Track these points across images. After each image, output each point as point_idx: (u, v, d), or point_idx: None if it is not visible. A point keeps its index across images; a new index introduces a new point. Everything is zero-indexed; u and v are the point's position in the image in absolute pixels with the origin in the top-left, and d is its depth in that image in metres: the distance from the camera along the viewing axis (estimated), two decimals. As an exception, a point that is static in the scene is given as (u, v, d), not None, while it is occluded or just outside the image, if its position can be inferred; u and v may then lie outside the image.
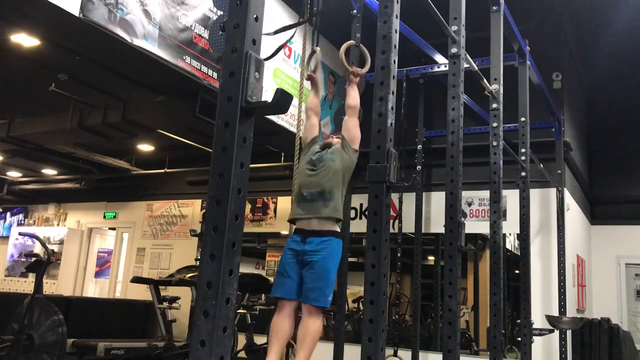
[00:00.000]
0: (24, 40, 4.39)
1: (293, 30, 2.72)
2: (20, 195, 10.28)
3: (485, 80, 3.60)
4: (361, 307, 7.21)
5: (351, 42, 3.41)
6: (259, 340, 5.69)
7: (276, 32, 2.32)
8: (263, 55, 1.39)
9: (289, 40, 2.73)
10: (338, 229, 3.08)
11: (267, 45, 1.99)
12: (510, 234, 6.53)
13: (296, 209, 3.09)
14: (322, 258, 2.94)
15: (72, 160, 8.28)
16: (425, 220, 6.29)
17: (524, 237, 4.49)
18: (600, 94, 8.40)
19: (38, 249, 8.26)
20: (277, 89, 1.35)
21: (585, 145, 8.23)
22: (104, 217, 9.31)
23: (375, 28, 2.13)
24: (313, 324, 2.91)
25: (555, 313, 5.51)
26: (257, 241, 8.13)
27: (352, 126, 3.17)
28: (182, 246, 8.17)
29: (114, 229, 9.46)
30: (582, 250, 7.17)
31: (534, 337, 4.46)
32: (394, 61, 2.06)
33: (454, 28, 3.00)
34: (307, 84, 3.49)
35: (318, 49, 3.29)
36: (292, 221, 3.15)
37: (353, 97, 3.18)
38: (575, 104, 7.46)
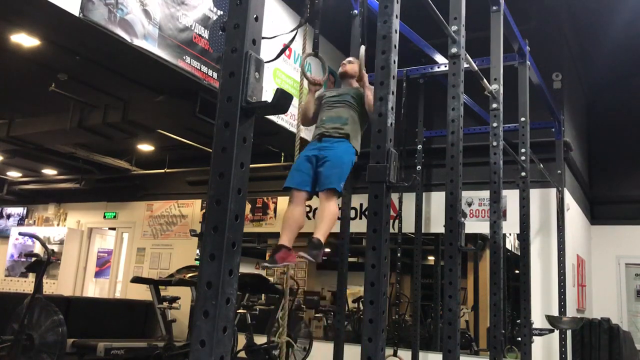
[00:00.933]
0: (24, 40, 4.39)
1: (294, 31, 2.72)
2: (20, 195, 10.28)
3: (485, 80, 3.60)
4: (361, 307, 7.21)
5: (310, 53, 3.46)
6: (259, 340, 5.69)
7: (275, 37, 2.33)
8: (264, 56, 1.39)
9: (290, 42, 2.74)
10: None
11: (267, 46, 1.99)
12: (510, 234, 6.53)
13: (316, 129, 3.32)
14: (336, 152, 3.12)
15: (72, 160, 8.28)
16: (425, 220, 6.29)
17: (524, 237, 4.49)
18: (600, 94, 8.40)
19: (38, 249, 8.25)
20: (277, 89, 1.35)
21: (585, 145, 8.23)
22: (104, 217, 9.31)
23: (375, 28, 2.13)
24: (330, 206, 3.04)
25: (555, 313, 5.51)
26: (257, 241, 8.13)
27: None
28: (182, 246, 8.16)
29: (114, 229, 9.46)
30: (582, 250, 7.17)
31: (534, 337, 4.46)
32: (394, 61, 2.06)
33: (454, 28, 3.00)
34: (307, 84, 3.50)
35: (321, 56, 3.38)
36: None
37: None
38: (575, 104, 7.46)
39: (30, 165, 9.03)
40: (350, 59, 3.55)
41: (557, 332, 5.24)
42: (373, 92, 3.18)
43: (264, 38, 1.43)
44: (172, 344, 5.52)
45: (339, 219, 3.43)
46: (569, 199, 6.20)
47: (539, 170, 5.49)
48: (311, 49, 3.37)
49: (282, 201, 7.47)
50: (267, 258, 8.00)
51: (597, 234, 8.04)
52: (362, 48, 3.39)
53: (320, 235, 2.96)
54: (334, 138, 3.19)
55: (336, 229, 3.60)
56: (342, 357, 3.96)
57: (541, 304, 5.69)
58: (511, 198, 5.51)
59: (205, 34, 4.41)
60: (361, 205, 6.63)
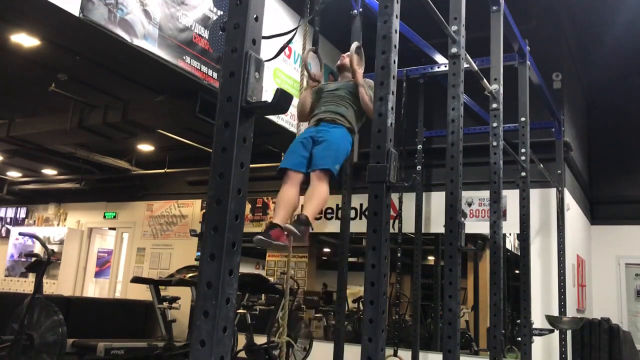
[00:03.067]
0: (24, 40, 4.39)
1: (294, 31, 2.72)
2: (20, 195, 10.28)
3: (485, 80, 3.60)
4: (361, 307, 7.21)
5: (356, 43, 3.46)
6: (259, 340, 5.69)
7: (273, 37, 2.32)
8: (263, 55, 1.39)
9: (289, 41, 2.74)
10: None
11: (267, 45, 1.99)
12: (510, 234, 6.53)
13: (313, 117, 3.30)
14: (332, 135, 3.09)
15: (72, 160, 8.28)
16: (425, 220, 6.29)
17: (524, 237, 4.48)
18: (600, 94, 8.40)
19: (38, 249, 8.25)
20: (277, 89, 1.35)
21: (585, 145, 8.23)
22: (104, 217, 9.31)
23: (375, 28, 2.13)
24: (321, 186, 2.97)
25: (555, 313, 5.51)
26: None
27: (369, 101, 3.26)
28: (182, 246, 8.16)
29: (114, 229, 9.46)
30: (582, 250, 7.17)
31: (534, 337, 4.46)
32: (394, 61, 2.06)
33: (454, 28, 2.99)
34: (306, 79, 3.51)
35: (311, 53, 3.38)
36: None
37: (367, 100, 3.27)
38: (575, 104, 7.46)
39: (30, 165, 9.03)
40: (349, 52, 3.55)
41: (557, 332, 5.24)
42: (367, 89, 3.21)
43: (264, 38, 1.43)
44: (172, 344, 5.52)
45: (338, 218, 3.43)
46: (569, 199, 6.20)
47: (539, 170, 5.49)
48: (311, 45, 3.39)
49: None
50: (266, 258, 8.02)
51: (597, 234, 8.03)
52: (354, 44, 3.37)
53: (309, 213, 2.87)
54: (333, 124, 3.17)
55: (336, 228, 3.61)
56: (342, 357, 3.96)
57: (541, 304, 5.69)
58: (511, 198, 5.50)
59: (205, 34, 4.41)
60: (361, 205, 6.62)
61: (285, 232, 2.78)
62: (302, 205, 2.97)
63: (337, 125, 3.18)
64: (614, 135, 8.18)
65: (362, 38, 3.77)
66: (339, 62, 3.51)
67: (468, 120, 5.01)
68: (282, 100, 1.32)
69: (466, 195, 6.02)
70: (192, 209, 8.29)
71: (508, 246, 6.69)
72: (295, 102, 3.70)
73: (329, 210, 6.88)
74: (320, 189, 2.96)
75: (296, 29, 2.60)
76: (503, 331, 3.79)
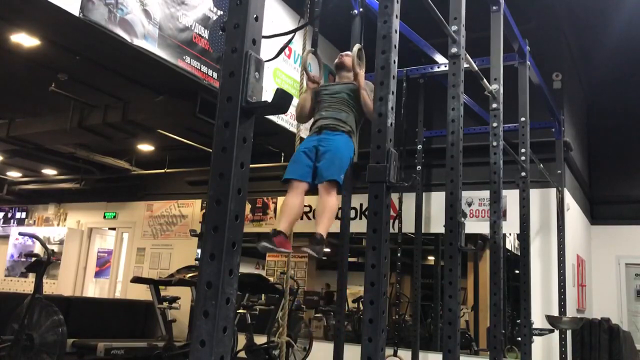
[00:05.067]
0: (24, 40, 4.39)
1: (294, 32, 2.72)
2: (20, 195, 10.28)
3: (485, 80, 3.60)
4: (361, 307, 7.21)
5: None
6: (259, 340, 5.69)
7: (273, 36, 2.32)
8: (264, 56, 1.39)
9: (289, 42, 2.74)
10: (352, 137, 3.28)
11: (267, 45, 1.99)
12: (510, 234, 6.53)
13: (314, 123, 3.31)
14: (335, 145, 3.11)
15: (72, 160, 8.28)
16: (425, 220, 6.29)
17: (524, 237, 4.48)
18: (600, 94, 8.39)
19: (38, 249, 8.25)
20: (277, 89, 1.35)
21: (585, 145, 8.22)
22: (104, 217, 9.31)
23: (375, 28, 2.13)
24: (330, 199, 3.03)
25: (555, 313, 5.51)
26: (257, 241, 8.11)
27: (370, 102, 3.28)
28: (182, 246, 8.16)
29: (114, 229, 9.46)
30: (582, 250, 7.17)
31: (534, 337, 4.45)
32: (394, 61, 2.06)
33: (454, 28, 2.99)
34: (306, 81, 3.51)
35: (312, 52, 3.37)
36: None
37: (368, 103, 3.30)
38: (575, 104, 7.46)
39: (30, 165, 9.03)
40: (348, 52, 3.54)
41: (557, 332, 5.24)
42: (369, 92, 3.20)
43: (264, 38, 1.43)
44: (172, 344, 5.52)
45: (338, 218, 3.43)
46: (569, 199, 6.20)
47: (539, 170, 5.49)
48: (311, 47, 3.38)
49: (282, 201, 7.46)
50: (266, 258, 8.02)
51: (597, 234, 8.03)
52: (356, 46, 3.37)
53: (322, 230, 2.96)
54: (335, 131, 3.18)
55: (336, 228, 3.60)
56: (342, 357, 3.96)
57: (541, 304, 5.69)
58: (511, 198, 5.50)
59: (205, 34, 4.41)
60: (361, 205, 6.62)
61: (302, 250, 2.93)
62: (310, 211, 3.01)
63: (338, 132, 3.18)
64: (614, 135, 8.18)
65: (362, 38, 3.76)
66: (337, 61, 3.50)
67: (468, 120, 5.00)
68: (282, 100, 1.32)
69: (466, 195, 6.02)
70: (192, 209, 8.29)
71: (508, 246, 6.69)
72: (295, 102, 3.70)
73: (329, 210, 6.86)
74: (329, 202, 3.02)
75: (296, 29, 2.60)
76: (503, 331, 3.79)
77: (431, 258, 7.75)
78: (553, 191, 5.93)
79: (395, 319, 5.93)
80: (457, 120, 2.88)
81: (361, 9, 3.86)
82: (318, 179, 3.06)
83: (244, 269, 7.88)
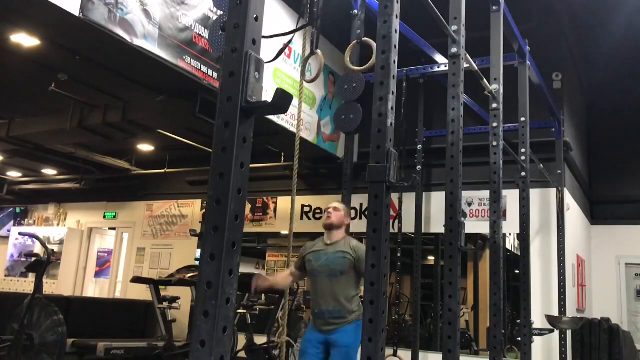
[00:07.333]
0: (24, 40, 4.39)
1: (294, 32, 2.72)
2: (20, 195, 10.28)
3: (485, 80, 3.60)
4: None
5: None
6: (259, 340, 5.69)
7: (273, 36, 2.32)
8: (264, 56, 1.39)
9: (289, 42, 2.74)
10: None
11: (267, 45, 1.99)
12: (510, 234, 6.53)
13: (317, 320, 3.34)
14: (346, 340, 3.20)
15: (72, 160, 8.28)
16: (425, 220, 6.29)
17: (524, 237, 4.49)
18: (600, 94, 8.40)
19: (38, 249, 8.25)
20: (277, 89, 1.35)
21: (585, 145, 8.22)
22: (104, 217, 9.31)
23: (375, 28, 2.13)
24: None
25: (555, 313, 5.51)
26: (257, 241, 8.12)
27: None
28: (182, 246, 8.16)
29: (114, 229, 9.46)
30: (582, 250, 7.17)
31: (534, 337, 4.45)
32: (394, 61, 2.06)
33: (454, 28, 2.99)
34: (307, 85, 3.49)
35: (319, 52, 3.33)
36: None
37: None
38: (575, 104, 7.46)
39: (30, 165, 9.02)
40: (335, 204, 3.54)
41: (557, 332, 5.24)
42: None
43: (264, 38, 1.43)
44: (172, 344, 5.52)
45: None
46: (569, 199, 6.20)
47: (539, 170, 5.49)
48: (311, 50, 3.37)
49: (282, 201, 7.47)
50: (266, 258, 8.03)
51: (597, 234, 8.03)
52: (342, 207, 3.45)
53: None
54: (340, 326, 3.25)
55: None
56: (342, 357, 3.95)
57: (541, 304, 5.69)
58: (511, 198, 5.50)
59: (205, 34, 4.41)
60: (361, 205, 6.62)
61: None
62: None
63: (343, 325, 3.24)
64: (614, 135, 8.18)
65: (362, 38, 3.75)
66: (326, 222, 3.51)
67: (468, 120, 5.01)
68: (282, 100, 1.32)
69: (466, 195, 6.02)
70: (192, 209, 8.29)
71: (508, 246, 6.69)
72: (295, 102, 3.69)
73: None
74: None
75: (296, 30, 2.60)
76: (503, 331, 3.79)
77: (431, 258, 7.75)
78: (553, 191, 5.93)
79: (395, 319, 5.93)
80: (457, 120, 2.88)
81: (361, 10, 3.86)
82: None
83: (244, 269, 7.88)
